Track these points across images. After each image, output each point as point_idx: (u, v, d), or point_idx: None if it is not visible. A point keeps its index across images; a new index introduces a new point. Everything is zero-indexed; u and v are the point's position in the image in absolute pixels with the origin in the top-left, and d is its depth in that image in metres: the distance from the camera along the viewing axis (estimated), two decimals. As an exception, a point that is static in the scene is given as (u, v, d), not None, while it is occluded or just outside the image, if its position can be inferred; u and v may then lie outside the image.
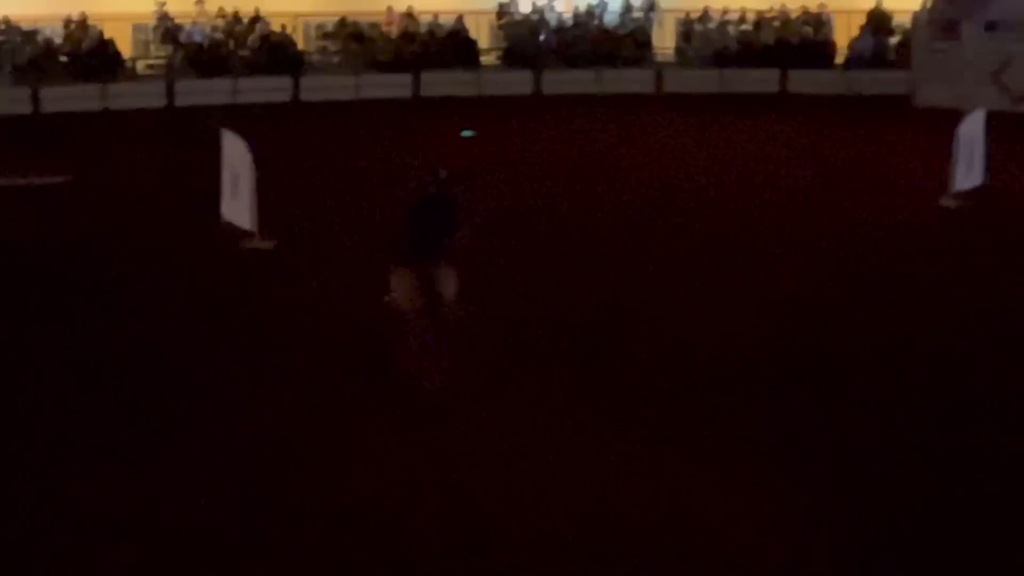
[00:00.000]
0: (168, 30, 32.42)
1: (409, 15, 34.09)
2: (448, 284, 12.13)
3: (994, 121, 21.30)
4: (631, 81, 33.65)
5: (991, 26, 31.63)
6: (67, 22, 31.63)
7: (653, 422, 11.50)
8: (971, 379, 12.69)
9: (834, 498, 9.91)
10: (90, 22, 31.75)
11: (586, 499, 9.84)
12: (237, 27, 32.95)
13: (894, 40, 34.32)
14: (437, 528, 9.44)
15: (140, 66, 32.84)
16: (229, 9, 33.04)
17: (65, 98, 30.08)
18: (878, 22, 34.32)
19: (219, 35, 32.73)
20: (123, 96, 30.82)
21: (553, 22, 35.16)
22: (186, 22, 32.65)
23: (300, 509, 9.76)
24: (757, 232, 18.82)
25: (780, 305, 15.09)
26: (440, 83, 32.91)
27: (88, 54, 31.30)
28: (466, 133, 26.32)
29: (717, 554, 9.01)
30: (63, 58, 31.38)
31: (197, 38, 32.47)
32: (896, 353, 13.45)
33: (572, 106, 31.18)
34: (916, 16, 32.88)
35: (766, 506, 9.66)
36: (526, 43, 34.34)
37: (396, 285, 11.90)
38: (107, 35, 31.83)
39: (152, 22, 32.74)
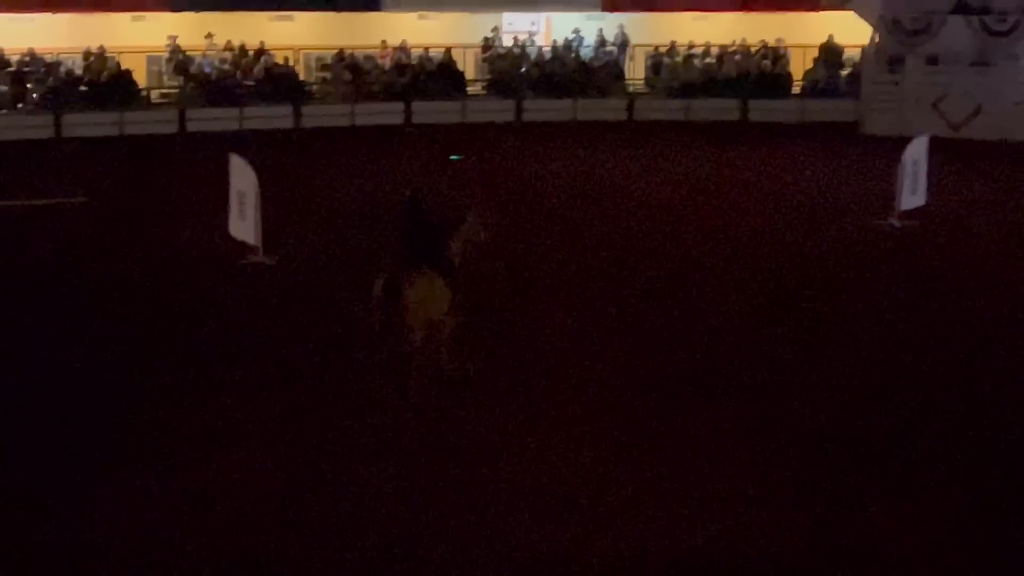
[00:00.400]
0: (180, 62, 32.31)
1: (402, 48, 34.04)
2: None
3: (935, 146, 21.37)
4: (605, 110, 33.64)
5: (932, 60, 31.75)
6: (87, 54, 31.52)
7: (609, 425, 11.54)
8: (912, 381, 12.77)
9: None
10: (108, 54, 31.63)
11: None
12: (243, 59, 32.87)
13: (845, 72, 34.36)
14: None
15: (154, 95, 32.69)
16: (236, 43, 32.95)
17: (84, 124, 30.00)
18: (829, 56, 34.37)
19: (227, 67, 32.61)
20: (138, 123, 30.72)
21: (533, 55, 35.12)
22: (196, 55, 32.54)
23: (300, 516, 9.77)
24: (717, 249, 18.86)
25: (736, 317, 15.14)
26: (430, 111, 32.88)
27: (106, 84, 31.19)
28: (454, 157, 26.32)
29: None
30: (83, 87, 31.25)
31: (206, 69, 32.36)
32: (842, 362, 13.52)
33: (551, 132, 31.19)
34: (864, 50, 32.95)
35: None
36: (509, 74, 34.33)
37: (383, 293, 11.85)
38: (124, 66, 31.70)
39: (165, 55, 32.64)
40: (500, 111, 33.46)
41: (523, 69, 34.49)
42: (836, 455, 10.77)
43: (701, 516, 9.53)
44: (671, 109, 33.68)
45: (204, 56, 32.58)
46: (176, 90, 32.38)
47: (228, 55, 32.85)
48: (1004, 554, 9.09)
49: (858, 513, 9.63)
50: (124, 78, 31.60)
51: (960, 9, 32.22)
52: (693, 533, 9.27)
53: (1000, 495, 10.01)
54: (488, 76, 34.73)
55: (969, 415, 11.86)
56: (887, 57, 32.24)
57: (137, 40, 32.59)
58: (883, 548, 9.12)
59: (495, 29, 35.27)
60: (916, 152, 20.40)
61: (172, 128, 31.04)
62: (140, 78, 32.41)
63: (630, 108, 33.99)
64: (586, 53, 35.36)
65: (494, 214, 12.97)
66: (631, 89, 35.11)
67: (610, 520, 9.46)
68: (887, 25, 32.19)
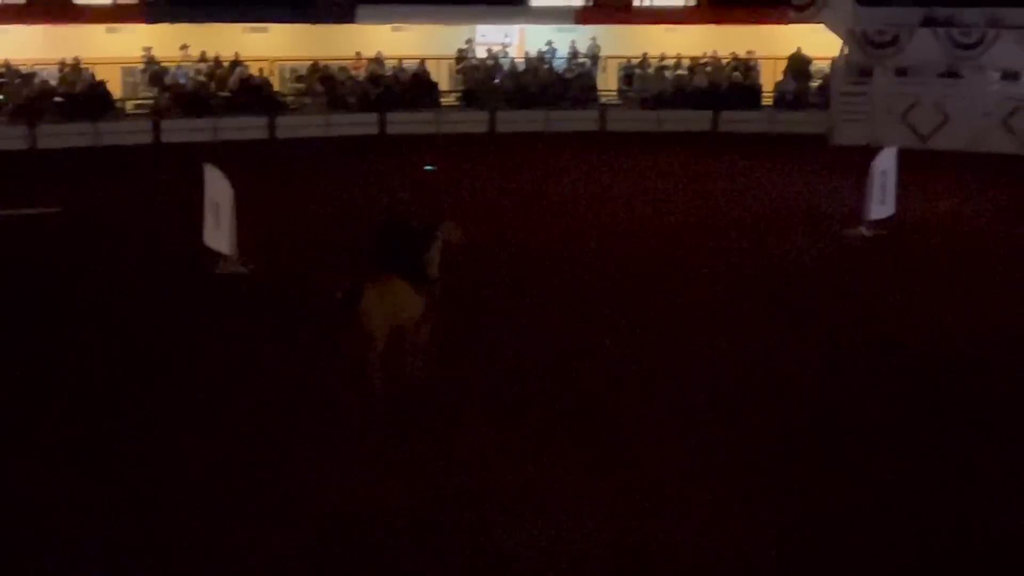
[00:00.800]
0: (155, 73, 32.18)
1: (376, 60, 34.00)
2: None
3: (904, 157, 21.45)
4: (577, 120, 33.67)
5: (900, 72, 31.91)
6: (62, 65, 31.33)
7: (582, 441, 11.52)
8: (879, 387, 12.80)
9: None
10: (83, 65, 31.45)
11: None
12: (218, 71, 32.76)
13: (814, 84, 34.49)
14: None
15: (129, 106, 32.52)
16: (211, 54, 32.84)
17: (59, 135, 29.79)
18: (797, 66, 34.48)
19: (202, 78, 32.51)
20: (113, 134, 30.55)
21: (507, 67, 35.13)
22: (171, 66, 32.42)
23: (277, 516, 9.69)
24: (689, 257, 18.89)
25: (708, 326, 15.15)
26: (404, 122, 32.82)
27: (81, 95, 31.01)
28: (428, 167, 26.24)
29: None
30: (58, 98, 31.05)
31: (181, 80, 32.24)
32: (811, 364, 13.55)
33: (524, 143, 31.19)
34: (834, 62, 33.09)
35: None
36: (482, 86, 34.32)
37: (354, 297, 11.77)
38: (99, 77, 31.55)
39: (140, 66, 32.50)
40: (474, 122, 33.45)
41: (496, 80, 34.49)
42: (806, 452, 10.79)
43: (663, 516, 9.53)
44: (643, 120, 33.76)
45: (179, 67, 32.46)
46: (151, 101, 32.24)
47: (203, 66, 32.73)
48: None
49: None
50: (99, 89, 31.45)
51: (928, 22, 32.40)
52: (653, 531, 9.26)
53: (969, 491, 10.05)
54: (462, 87, 34.71)
55: (935, 413, 12.03)
56: (856, 69, 32.39)
57: (112, 51, 32.42)
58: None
59: (469, 41, 35.27)
60: (885, 162, 20.46)
61: (147, 138, 30.90)
62: (115, 89, 32.28)
63: (603, 119, 34.04)
64: (559, 65, 35.40)
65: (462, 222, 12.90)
66: (603, 100, 35.15)
67: (578, 523, 9.45)
68: (856, 38, 32.33)
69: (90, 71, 31.56)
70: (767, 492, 10.12)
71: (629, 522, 9.53)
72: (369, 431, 11.31)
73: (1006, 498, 10.11)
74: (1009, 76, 31.70)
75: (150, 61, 32.26)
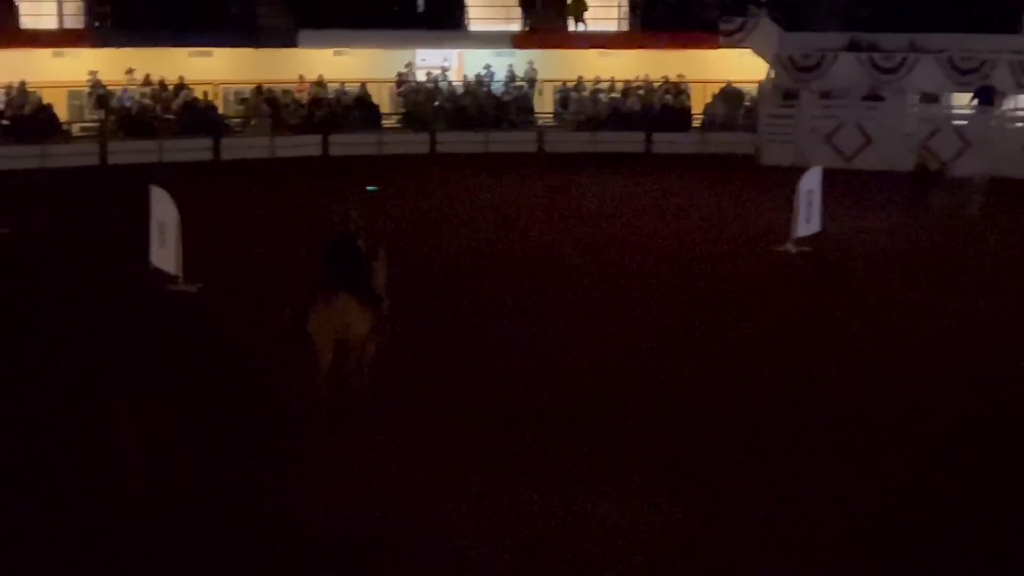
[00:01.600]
0: (100, 96, 32.00)
1: (318, 83, 34.02)
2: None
3: (829, 176, 21.78)
4: (515, 142, 33.81)
5: (825, 95, 32.39)
6: (8, 89, 31.09)
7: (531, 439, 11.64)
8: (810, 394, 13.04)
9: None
10: (30, 88, 31.22)
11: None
12: (163, 94, 32.63)
13: (744, 105, 34.90)
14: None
15: (75, 129, 32.31)
16: (156, 78, 32.70)
17: (6, 157, 29.51)
18: (731, 99, 34.82)
19: (147, 101, 32.36)
20: (59, 156, 30.31)
21: (446, 89, 35.27)
22: (117, 89, 32.25)
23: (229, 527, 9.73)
24: (621, 275, 19.08)
25: (643, 340, 15.34)
26: (347, 144, 32.85)
27: (28, 118, 30.78)
28: (370, 188, 26.26)
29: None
30: (4, 121, 30.79)
31: (127, 104, 32.08)
32: (748, 376, 13.77)
33: (464, 164, 31.30)
34: (761, 85, 33.53)
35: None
36: (423, 108, 34.43)
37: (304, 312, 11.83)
38: (45, 101, 31.33)
39: (86, 89, 32.30)
40: (415, 143, 33.56)
41: (437, 103, 34.62)
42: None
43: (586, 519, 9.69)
44: (579, 141, 33.98)
45: (124, 91, 32.29)
46: (97, 124, 32.04)
47: (148, 90, 32.58)
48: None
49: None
50: (46, 112, 31.21)
51: (851, 47, 32.96)
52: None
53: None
54: (403, 110, 34.80)
55: (856, 415, 12.41)
56: (782, 92, 32.84)
57: (58, 75, 32.21)
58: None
59: (409, 65, 35.37)
60: (810, 182, 20.80)
61: (93, 160, 30.70)
62: (61, 112, 32.05)
63: (540, 140, 34.25)
64: (497, 88, 35.58)
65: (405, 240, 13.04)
66: (540, 122, 35.37)
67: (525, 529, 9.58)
68: (782, 62, 32.81)
69: (37, 94, 31.32)
70: (711, 496, 10.31)
71: (582, 528, 9.67)
72: (315, 442, 11.37)
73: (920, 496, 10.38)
74: (928, 99, 32.35)
75: (96, 85, 32.06)
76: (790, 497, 10.37)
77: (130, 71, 32.37)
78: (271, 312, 12.59)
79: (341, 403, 12.02)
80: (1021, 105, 31.63)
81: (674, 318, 16.36)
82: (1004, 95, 30.64)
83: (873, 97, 31.96)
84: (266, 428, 11.79)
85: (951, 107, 32.68)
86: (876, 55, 32.20)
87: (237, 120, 33.74)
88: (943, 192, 19.50)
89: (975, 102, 30.94)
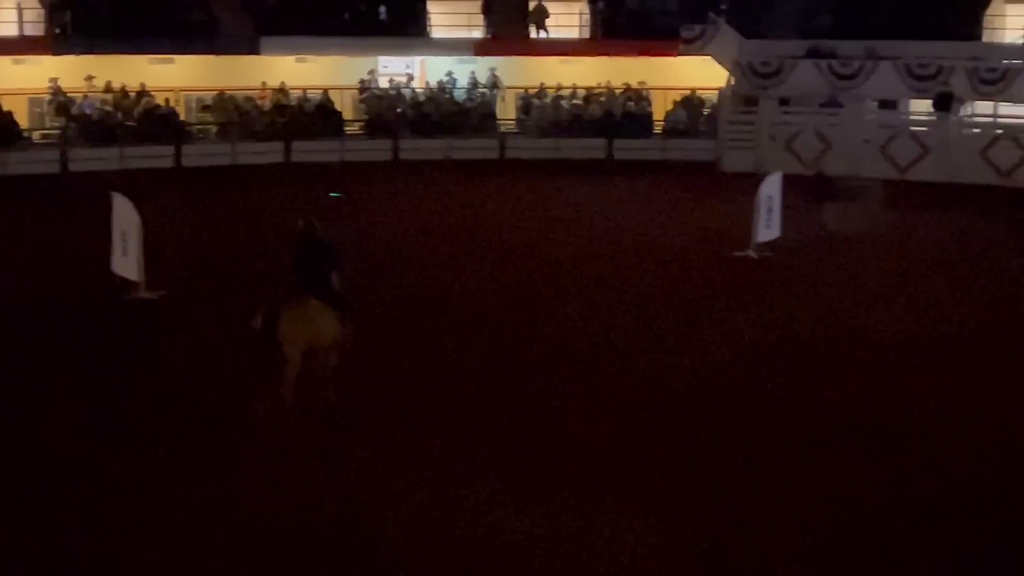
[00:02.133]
0: (61, 104, 31.78)
1: (280, 90, 33.91)
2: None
3: (789, 183, 21.90)
4: (478, 149, 33.82)
5: (784, 101, 32.58)
6: (-32, 96, 30.89)
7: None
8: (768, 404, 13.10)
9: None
10: (-10, 96, 31.05)
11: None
12: (124, 101, 32.43)
13: (704, 112, 35.05)
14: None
15: (36, 136, 32.09)
16: (117, 84, 32.50)
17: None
18: (692, 106, 34.96)
19: (108, 108, 32.15)
20: (20, 163, 30.08)
21: (408, 96, 35.25)
22: (78, 96, 32.04)
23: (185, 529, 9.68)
24: (583, 279, 19.14)
25: (605, 340, 15.38)
26: (309, 150, 32.76)
27: (-12, 125, 30.59)
28: (333, 195, 26.22)
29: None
30: (-36, 129, 30.58)
31: (87, 111, 31.87)
32: (707, 381, 13.83)
33: (427, 170, 31.28)
34: (721, 92, 33.68)
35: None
36: (385, 115, 34.39)
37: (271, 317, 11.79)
38: (5, 108, 31.07)
39: (47, 96, 32.07)
40: (378, 150, 33.48)
41: (399, 110, 34.58)
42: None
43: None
44: (541, 148, 34.02)
45: (85, 98, 32.06)
46: (58, 131, 31.81)
47: (109, 97, 32.37)
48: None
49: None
50: (6, 119, 30.95)
51: (810, 54, 33.16)
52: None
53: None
54: (365, 117, 34.74)
55: (808, 410, 12.57)
56: (742, 99, 33.00)
57: (19, 83, 31.91)
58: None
59: (371, 72, 35.31)
60: (770, 188, 20.90)
61: (54, 168, 30.48)
62: (22, 120, 31.80)
63: (502, 147, 34.27)
64: (459, 95, 35.60)
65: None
66: (503, 129, 35.41)
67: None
68: (742, 69, 32.97)
69: (-3, 101, 31.11)
70: (679, 501, 10.34)
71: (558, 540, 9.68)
72: (281, 448, 11.32)
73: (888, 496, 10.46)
74: (887, 105, 32.60)
75: (57, 92, 31.83)
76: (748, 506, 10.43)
77: (90, 78, 32.14)
78: (239, 319, 12.51)
79: (310, 410, 11.98)
80: (978, 111, 31.92)
81: (639, 322, 16.40)
82: (962, 101, 30.90)
83: (832, 104, 32.19)
84: (231, 435, 11.72)
85: (909, 113, 32.96)
86: (834, 62, 32.39)
87: (199, 127, 33.60)
88: (838, 203, 19.55)
89: (933, 108, 31.19)
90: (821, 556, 9.44)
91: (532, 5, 36.69)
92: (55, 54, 32.24)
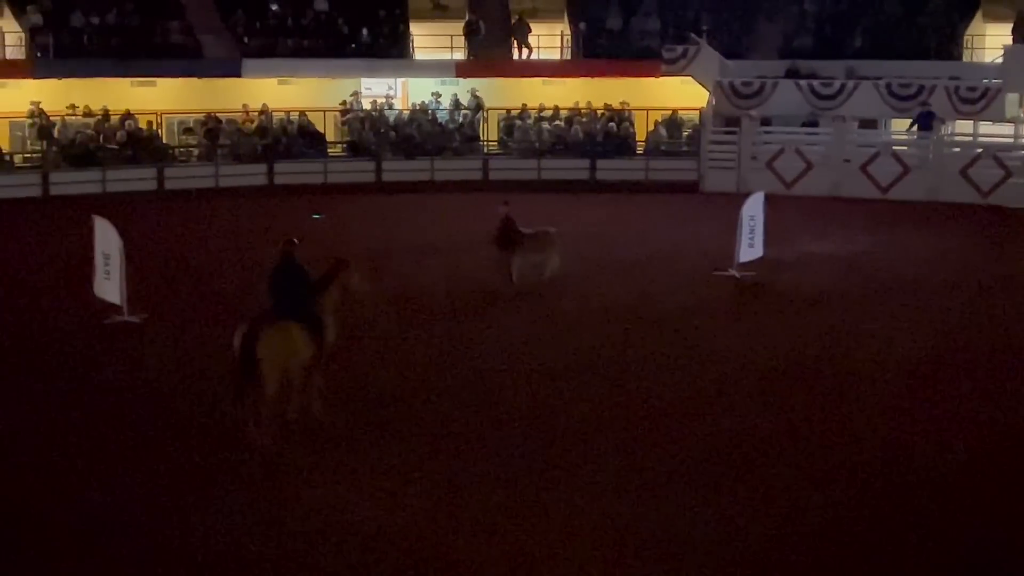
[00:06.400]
0: (42, 127, 31.73)
1: (263, 112, 33.92)
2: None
3: (771, 202, 21.97)
4: (461, 170, 33.82)
5: (765, 121, 32.72)
6: (-51, 120, 30.83)
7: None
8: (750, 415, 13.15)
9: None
10: (-30, 120, 31.00)
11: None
12: (106, 124, 32.39)
13: (685, 133, 35.16)
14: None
15: (17, 159, 32.03)
16: (99, 108, 32.46)
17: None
18: (672, 126, 35.09)
19: (90, 131, 32.11)
20: (1, 187, 30.00)
21: (391, 118, 35.29)
22: (59, 120, 32.00)
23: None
24: (568, 294, 19.18)
25: (588, 356, 15.42)
26: (291, 172, 32.80)
27: (-32, 149, 30.51)
28: (316, 216, 26.26)
29: None
30: (-55, 152, 30.50)
31: (69, 134, 31.84)
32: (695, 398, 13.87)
33: (409, 191, 31.33)
34: (702, 113, 33.79)
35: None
36: (368, 136, 34.43)
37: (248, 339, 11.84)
38: (-15, 132, 31.12)
39: (28, 120, 32.03)
40: (360, 172, 33.48)
41: (381, 131, 34.62)
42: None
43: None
44: (524, 168, 34.02)
45: (66, 121, 32.01)
46: (39, 154, 31.76)
47: (91, 120, 32.33)
48: None
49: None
50: (-13, 143, 30.93)
51: (790, 74, 33.36)
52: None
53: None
54: (348, 138, 34.77)
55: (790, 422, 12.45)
56: (723, 119, 33.12)
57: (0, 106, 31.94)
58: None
59: (355, 93, 35.36)
60: (752, 208, 20.97)
61: (36, 192, 30.42)
62: (3, 143, 31.74)
63: (485, 168, 34.31)
64: (442, 116, 35.66)
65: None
66: (486, 150, 35.47)
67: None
68: (723, 89, 33.13)
69: (-22, 125, 31.06)
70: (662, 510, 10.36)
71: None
72: (270, 466, 11.33)
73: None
74: (867, 124, 32.77)
75: (38, 115, 31.79)
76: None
77: (73, 107, 32.13)
78: (219, 339, 12.54)
79: (298, 427, 12.01)
80: (959, 130, 32.11)
81: (620, 342, 16.44)
82: (943, 121, 31.08)
83: (812, 123, 32.35)
84: (216, 455, 11.71)
85: (890, 133, 33.14)
86: (815, 82, 32.60)
87: (181, 149, 33.59)
88: (525, 252, 19.57)
89: (914, 128, 31.37)
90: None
91: (513, 20, 36.88)
92: (36, 78, 32.21)
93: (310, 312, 12.27)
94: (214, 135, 33.01)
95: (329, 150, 34.54)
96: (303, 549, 9.74)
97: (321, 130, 34.52)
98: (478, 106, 35.82)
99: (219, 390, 12.84)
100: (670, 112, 35.18)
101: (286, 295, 12.23)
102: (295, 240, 12.75)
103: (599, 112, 35.54)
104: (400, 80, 36.66)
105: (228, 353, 12.06)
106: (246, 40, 34.59)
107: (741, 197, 22.23)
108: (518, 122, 35.43)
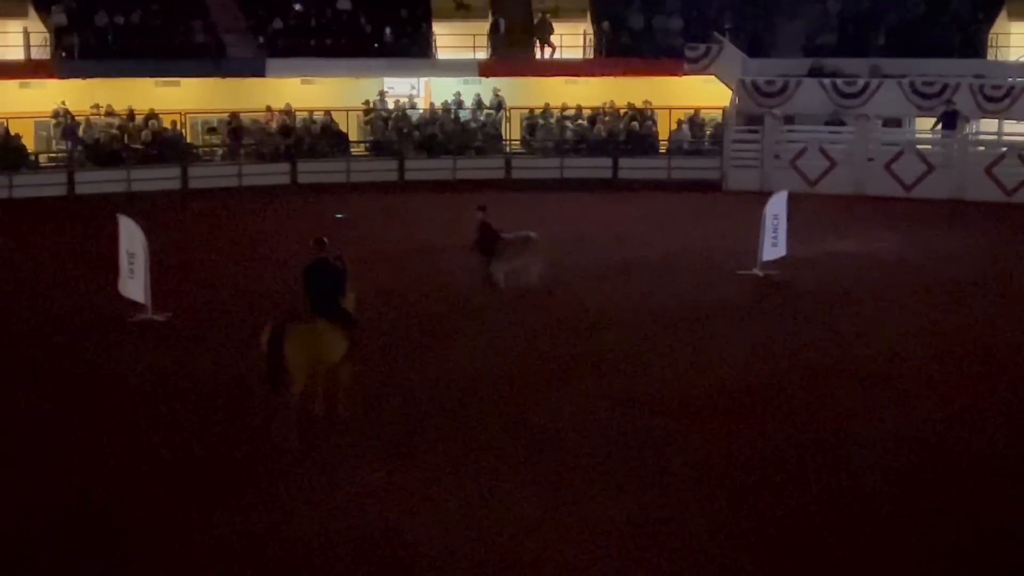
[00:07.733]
0: (68, 127, 31.88)
1: (286, 112, 33.99)
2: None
3: (794, 201, 21.88)
4: (484, 168, 33.82)
5: (789, 120, 32.58)
6: (-26, 120, 30.97)
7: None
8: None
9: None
10: (-3, 119, 31.16)
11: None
12: (131, 124, 32.50)
13: (708, 132, 35.08)
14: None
15: (43, 159, 32.19)
16: (124, 108, 32.57)
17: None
18: (696, 126, 35.05)
19: (114, 131, 32.23)
20: (27, 186, 30.21)
21: (414, 117, 35.32)
22: (84, 119, 32.12)
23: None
24: (596, 293, 19.16)
25: (618, 354, 15.39)
26: (315, 171, 32.87)
27: (-5, 148, 30.66)
28: (339, 216, 26.26)
29: None
30: (-29, 152, 30.64)
31: (94, 133, 31.96)
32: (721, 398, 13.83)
33: (432, 190, 31.33)
34: (725, 111, 33.68)
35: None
36: (391, 135, 34.46)
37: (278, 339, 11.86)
38: (12, 131, 31.18)
39: (53, 120, 32.18)
40: (383, 171, 33.54)
41: (405, 130, 34.64)
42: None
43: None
44: (547, 167, 34.04)
45: (91, 121, 32.15)
46: (64, 154, 31.92)
47: (115, 120, 32.46)
48: None
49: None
50: (13, 142, 31.06)
51: (814, 73, 33.22)
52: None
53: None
54: (371, 137, 34.81)
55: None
56: (746, 117, 32.99)
57: (25, 106, 32.11)
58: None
59: (381, 93, 35.40)
60: (776, 207, 20.90)
61: (61, 191, 30.58)
62: (29, 143, 31.89)
63: (508, 167, 34.30)
64: (465, 115, 35.66)
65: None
66: (508, 149, 35.45)
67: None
68: (746, 87, 33.01)
69: (4, 125, 31.17)
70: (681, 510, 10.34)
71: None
72: (289, 467, 11.33)
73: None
74: (890, 123, 32.61)
75: (63, 115, 31.94)
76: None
77: (96, 106, 32.27)
78: (243, 338, 12.56)
79: (315, 427, 12.01)
80: (983, 129, 31.92)
81: (642, 341, 16.40)
82: (967, 119, 30.89)
83: (836, 122, 32.20)
84: (243, 453, 11.73)
85: (914, 131, 32.98)
86: (839, 80, 32.45)
87: (205, 149, 33.69)
88: (503, 258, 19.37)
89: (939, 126, 31.19)
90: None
91: (536, 19, 36.87)
92: (61, 78, 32.37)
93: (343, 310, 12.31)
94: (238, 134, 33.10)
95: (352, 149, 34.61)
96: (320, 550, 9.75)
97: (344, 130, 34.59)
98: (500, 105, 35.82)
99: (252, 384, 12.79)
100: (693, 111, 35.14)
101: (320, 293, 12.28)
102: (325, 239, 12.78)
103: (622, 111, 35.50)
104: (423, 80, 36.70)
105: (256, 351, 12.07)
106: (269, 40, 34.65)
107: (764, 196, 22.16)
108: (541, 121, 35.41)
